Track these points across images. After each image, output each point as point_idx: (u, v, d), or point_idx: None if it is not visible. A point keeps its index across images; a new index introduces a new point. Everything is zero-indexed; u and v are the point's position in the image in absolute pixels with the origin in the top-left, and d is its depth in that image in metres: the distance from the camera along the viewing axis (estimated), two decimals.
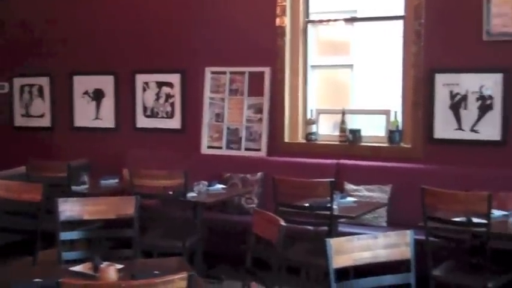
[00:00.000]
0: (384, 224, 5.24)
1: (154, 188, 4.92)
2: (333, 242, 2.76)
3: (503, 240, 4.16)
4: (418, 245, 4.05)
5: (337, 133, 5.91)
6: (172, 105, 6.59)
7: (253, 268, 3.22)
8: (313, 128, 6.00)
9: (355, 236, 2.87)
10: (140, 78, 6.75)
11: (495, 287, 3.91)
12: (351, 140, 5.78)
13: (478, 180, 4.99)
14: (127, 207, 3.58)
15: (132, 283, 2.33)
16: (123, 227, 3.61)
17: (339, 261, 2.75)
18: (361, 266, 2.86)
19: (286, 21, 6.02)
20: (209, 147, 6.38)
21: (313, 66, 6.18)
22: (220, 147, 6.32)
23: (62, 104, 7.24)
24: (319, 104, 6.16)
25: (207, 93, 6.39)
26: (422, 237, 4.10)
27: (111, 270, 2.74)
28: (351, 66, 6.22)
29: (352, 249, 2.80)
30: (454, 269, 4.15)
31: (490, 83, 5.28)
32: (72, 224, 3.70)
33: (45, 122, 7.34)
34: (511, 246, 4.11)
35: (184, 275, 2.21)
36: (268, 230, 3.20)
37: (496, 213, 4.30)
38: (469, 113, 5.35)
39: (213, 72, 6.38)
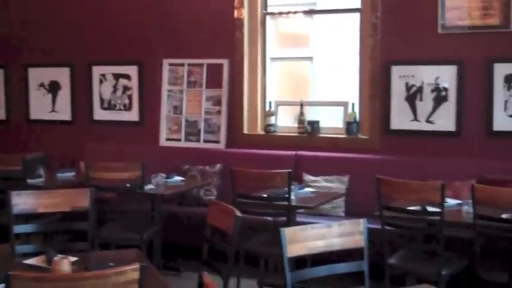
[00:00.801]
0: (342, 214, 5.30)
1: (112, 181, 4.87)
2: (287, 231, 2.77)
3: (456, 228, 4.25)
4: (374, 234, 4.16)
5: (296, 125, 5.94)
6: (129, 97, 6.53)
7: (210, 259, 3.21)
8: (272, 120, 6.02)
9: (310, 225, 2.89)
10: (97, 70, 6.67)
11: (449, 274, 3.98)
12: (309, 132, 5.82)
13: (434, 170, 5.08)
14: (82, 199, 3.54)
15: (84, 274, 2.30)
16: (80, 220, 3.57)
17: (293, 250, 2.77)
18: (319, 255, 2.88)
19: (244, 13, 6.01)
20: (168, 139, 6.35)
21: (272, 59, 6.19)
22: (178, 140, 6.30)
23: (17, 97, 7.12)
24: (279, 96, 6.18)
25: (165, 86, 6.35)
26: (379, 227, 4.16)
27: (65, 263, 2.71)
28: (310, 58, 6.24)
29: (306, 238, 2.82)
30: (409, 257, 4.21)
31: (445, 75, 5.37)
32: (30, 217, 3.64)
33: (0, 115, 7.20)
34: (464, 233, 4.18)
35: (136, 266, 2.20)
36: (224, 220, 3.19)
37: (450, 202, 4.38)
38: (425, 104, 5.43)
39: (171, 64, 6.35)
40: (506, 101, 5.18)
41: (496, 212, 3.89)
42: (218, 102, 6.15)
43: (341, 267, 2.86)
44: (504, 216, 3.87)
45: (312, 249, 2.84)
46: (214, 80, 6.16)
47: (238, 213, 3.07)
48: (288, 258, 2.72)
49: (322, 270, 2.85)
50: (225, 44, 6.08)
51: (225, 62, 6.10)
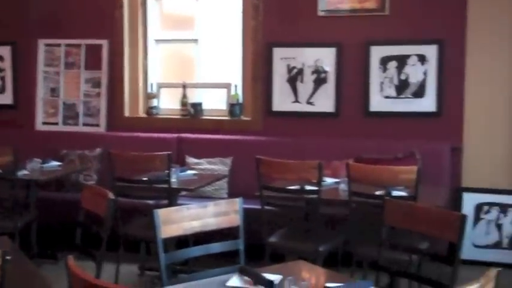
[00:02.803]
0: (225, 196, 5.30)
1: None
2: (161, 213, 2.72)
3: (334, 205, 4.36)
4: (256, 213, 4.19)
5: (179, 107, 5.87)
6: (3, 79, 6.20)
7: (83, 244, 3.11)
8: (154, 102, 5.92)
9: (185, 206, 2.86)
10: None
11: (326, 251, 4.08)
12: (192, 114, 5.77)
13: (314, 150, 5.17)
14: None
15: None
16: None
17: (167, 231, 2.72)
18: (205, 236, 2.86)
19: None
20: (44, 123, 6.09)
21: (157, 41, 6.08)
22: (56, 123, 6.06)
23: None
24: (164, 78, 6.07)
25: (41, 67, 6.08)
26: (259, 206, 4.19)
27: None
28: (195, 40, 6.17)
29: (181, 218, 2.78)
30: (289, 235, 4.28)
31: (325, 57, 5.47)
32: None
33: None
34: (341, 211, 4.28)
35: None
36: (97, 204, 3.10)
37: (329, 180, 4.49)
38: (305, 86, 5.52)
39: (46, 45, 6.08)
40: (382, 83, 5.36)
41: (371, 189, 4.02)
42: (97, 85, 5.96)
43: (217, 247, 2.83)
44: (378, 193, 4.01)
45: (188, 230, 2.81)
46: (93, 62, 5.97)
47: (112, 196, 2.98)
48: (161, 240, 2.67)
49: (197, 251, 2.83)
50: (105, 24, 5.90)
51: (104, 43, 5.92)
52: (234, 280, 2.51)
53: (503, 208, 5.15)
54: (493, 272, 1.92)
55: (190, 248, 2.86)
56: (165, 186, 4.34)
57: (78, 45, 6.01)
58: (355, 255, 3.98)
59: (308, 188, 4.15)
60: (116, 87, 5.94)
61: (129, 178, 4.43)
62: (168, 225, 2.72)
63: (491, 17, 5.14)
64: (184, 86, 5.84)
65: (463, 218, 2.63)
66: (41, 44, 6.08)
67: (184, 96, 5.83)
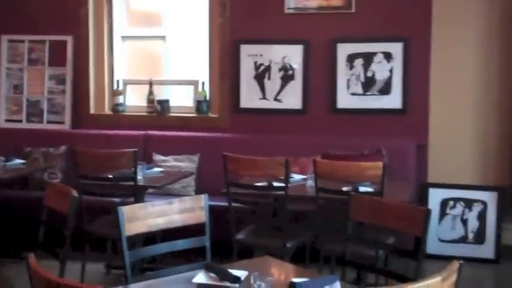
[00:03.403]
0: (193, 193, 5.26)
1: None
2: (126, 210, 2.69)
3: (302, 202, 4.37)
4: (224, 210, 4.18)
5: (145, 104, 5.82)
6: None
7: (46, 243, 3.06)
8: (120, 99, 5.86)
9: (150, 203, 2.83)
10: None
11: (294, 247, 4.08)
12: (159, 111, 5.74)
13: (282, 147, 5.16)
14: None
15: None
16: None
17: (132, 228, 2.69)
18: (169, 232, 2.83)
19: None
20: (7, 120, 5.98)
21: (124, 37, 6.02)
22: (20, 121, 5.96)
23: None
24: (131, 75, 6.02)
25: (4, 63, 5.97)
26: (227, 203, 4.17)
27: None
28: (163, 37, 6.13)
29: (146, 215, 2.75)
30: (256, 232, 4.28)
31: (292, 55, 5.48)
32: None
33: None
34: (309, 207, 4.28)
35: None
36: (61, 202, 3.05)
37: (296, 177, 4.50)
38: (273, 83, 5.52)
39: (10, 41, 5.97)
40: (348, 80, 5.38)
41: (338, 186, 4.04)
42: (62, 81, 5.88)
43: (182, 244, 2.81)
44: (345, 189, 4.02)
45: (152, 227, 2.78)
46: (57, 58, 5.88)
47: (75, 194, 2.94)
48: (126, 237, 2.64)
49: (162, 248, 2.81)
50: (69, 20, 5.81)
51: (69, 39, 5.84)
52: (200, 277, 2.49)
53: (468, 203, 5.21)
54: (455, 264, 1.94)
55: (155, 245, 2.83)
56: (131, 183, 4.30)
57: (42, 42, 5.92)
58: (323, 251, 3.99)
59: (275, 184, 4.14)
60: (81, 84, 5.87)
61: (94, 176, 4.38)
62: (132, 222, 2.69)
63: (456, 15, 5.21)
64: (150, 83, 5.79)
65: (427, 212, 2.66)
66: (4, 40, 5.97)
67: (150, 93, 5.79)
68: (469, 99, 5.23)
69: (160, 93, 5.91)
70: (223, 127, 5.59)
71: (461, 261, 1.96)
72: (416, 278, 2.57)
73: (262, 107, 5.53)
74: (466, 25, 5.19)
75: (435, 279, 1.84)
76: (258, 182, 4.22)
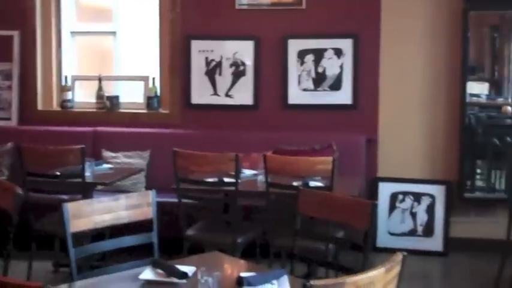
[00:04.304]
0: (143, 190, 5.20)
1: None
2: (71, 206, 2.65)
3: (252, 197, 4.37)
4: (173, 206, 4.16)
5: (95, 100, 5.74)
6: None
7: None
8: (69, 95, 5.77)
9: (96, 199, 2.80)
10: None
11: (244, 242, 4.08)
12: (108, 107, 5.66)
13: (233, 143, 5.15)
14: None
15: None
16: None
17: (77, 225, 2.65)
18: (118, 229, 2.81)
19: None
20: None
21: (73, 33, 5.93)
22: None
23: None
24: (82, 71, 5.93)
25: None
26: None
27: None
28: (113, 33, 6.05)
29: (91, 212, 2.72)
30: (207, 228, 4.26)
31: (243, 50, 5.47)
32: None
33: None
34: (260, 203, 4.28)
35: None
36: (5, 200, 2.98)
37: (247, 172, 4.50)
38: (224, 79, 5.51)
39: None
40: (299, 76, 5.41)
41: (289, 180, 4.05)
42: (8, 77, 5.75)
43: (129, 240, 2.78)
44: (295, 183, 4.03)
45: (99, 224, 2.75)
46: (3, 53, 5.73)
47: (19, 191, 2.87)
48: (71, 234, 2.60)
49: (109, 244, 2.78)
50: (15, 14, 5.68)
51: (15, 34, 5.71)
52: (147, 273, 2.47)
53: (417, 197, 5.30)
54: (398, 256, 1.96)
55: (101, 242, 2.80)
56: (79, 180, 4.23)
57: None
58: (273, 246, 4.00)
59: (226, 180, 4.13)
60: (28, 80, 5.74)
61: (41, 173, 4.29)
62: (77, 219, 2.65)
63: (404, 11, 5.28)
64: (100, 79, 5.71)
65: (374, 205, 2.68)
66: None
67: (100, 89, 5.72)
68: (417, 95, 5.32)
69: (111, 89, 5.83)
70: (174, 123, 5.55)
71: (404, 253, 1.99)
72: (363, 270, 2.59)
73: (213, 102, 5.52)
74: (414, 21, 5.27)
75: (378, 271, 1.86)
76: (209, 178, 4.21)
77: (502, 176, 5.22)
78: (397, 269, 1.96)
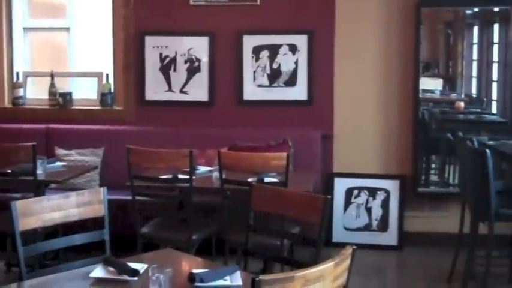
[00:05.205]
0: (97, 187, 5.14)
1: None
2: (19, 204, 2.59)
3: (208, 194, 4.35)
4: (128, 204, 4.12)
5: (47, 97, 5.64)
6: None
7: None
8: (21, 92, 5.66)
9: (45, 197, 2.75)
10: None
11: (199, 239, 4.06)
12: (61, 104, 5.58)
13: (189, 140, 5.11)
14: None
15: None
16: None
17: (26, 223, 2.59)
18: (71, 227, 2.77)
19: None
20: None
21: (26, 29, 5.82)
22: None
23: None
24: (35, 67, 5.82)
25: None
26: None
27: None
28: (67, 29, 5.95)
29: (41, 210, 2.66)
30: (162, 225, 4.23)
31: (198, 46, 5.44)
32: None
33: None
34: (215, 199, 4.27)
35: None
36: None
37: (202, 169, 4.49)
38: (179, 75, 5.47)
39: None
40: (254, 72, 5.41)
41: (244, 177, 4.04)
42: None
43: (80, 238, 2.73)
44: (250, 179, 4.03)
45: (48, 222, 2.69)
46: None
47: None
48: (19, 232, 2.54)
49: (59, 242, 2.73)
50: None
51: None
52: (98, 271, 2.44)
53: (372, 192, 5.36)
54: (348, 250, 1.97)
55: (51, 240, 2.74)
56: (31, 178, 4.15)
57: None
58: (228, 242, 3.99)
59: (181, 177, 4.11)
60: None
61: None
62: (26, 217, 2.60)
63: (359, 8, 5.32)
64: (52, 75, 5.62)
65: (326, 200, 2.69)
66: None
67: (52, 85, 5.63)
68: (372, 91, 5.37)
69: (64, 86, 5.74)
70: (128, 120, 5.50)
71: (354, 247, 2.00)
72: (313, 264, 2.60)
73: (168, 99, 5.48)
74: (369, 17, 5.32)
75: (328, 265, 1.86)
76: (164, 175, 4.17)
77: (455, 170, 5.31)
78: (346, 263, 1.97)
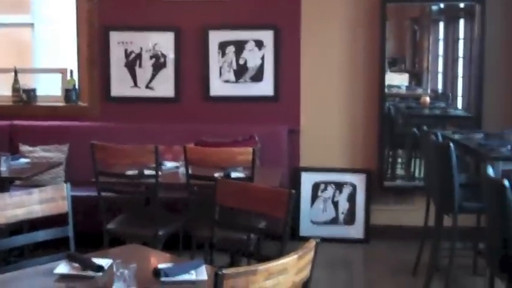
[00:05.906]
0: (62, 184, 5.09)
1: None
2: None
3: (174, 189, 4.34)
4: (94, 200, 4.08)
5: (10, 93, 5.57)
6: None
7: None
8: None
9: (7, 193, 2.72)
10: None
11: (166, 234, 4.05)
12: (25, 100, 5.51)
13: (155, 136, 5.10)
14: None
15: None
16: None
17: None
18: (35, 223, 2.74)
19: None
20: None
21: None
22: None
23: None
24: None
25: None
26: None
27: None
28: (31, 25, 5.87)
29: (3, 207, 2.63)
30: (128, 221, 4.20)
31: (163, 42, 5.41)
32: None
33: None
34: (181, 195, 4.25)
35: None
36: None
37: (169, 164, 4.47)
38: (144, 71, 5.44)
39: None
40: (221, 67, 5.40)
41: (211, 172, 4.03)
42: None
43: (43, 234, 2.71)
44: (216, 175, 4.03)
45: (11, 218, 2.66)
46: None
47: None
48: None
49: (22, 239, 2.70)
50: None
51: None
52: (62, 267, 2.41)
53: (339, 186, 5.40)
54: (312, 243, 1.98)
55: (13, 237, 2.71)
56: None
57: None
58: (195, 238, 3.99)
59: (147, 172, 4.08)
60: None
61: None
62: None
63: (325, 3, 5.34)
64: (15, 71, 5.54)
65: (291, 194, 2.70)
66: None
67: (15, 81, 5.55)
68: (338, 86, 5.40)
69: (28, 82, 5.67)
70: (93, 116, 5.45)
71: (318, 240, 2.01)
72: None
73: (133, 95, 5.44)
74: (334, 13, 5.34)
75: (291, 258, 1.87)
76: (130, 171, 4.15)
77: (421, 164, 5.37)
78: (310, 256, 1.98)
